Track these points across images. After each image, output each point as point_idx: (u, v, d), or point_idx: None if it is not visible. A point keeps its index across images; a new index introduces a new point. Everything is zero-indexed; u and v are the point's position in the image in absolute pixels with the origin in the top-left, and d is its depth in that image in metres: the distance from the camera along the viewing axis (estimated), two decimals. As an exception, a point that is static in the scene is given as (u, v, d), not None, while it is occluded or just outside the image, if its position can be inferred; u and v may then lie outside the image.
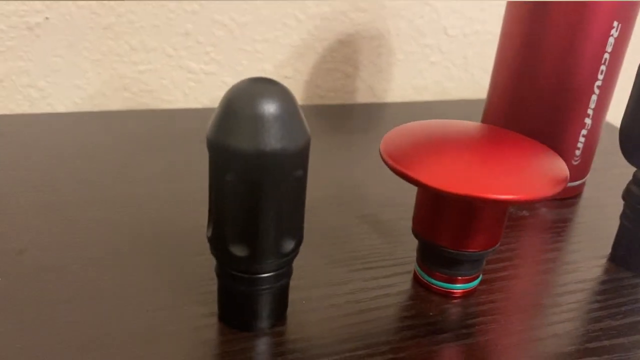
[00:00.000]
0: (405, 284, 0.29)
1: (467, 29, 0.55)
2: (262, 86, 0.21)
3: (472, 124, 0.29)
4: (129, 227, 0.31)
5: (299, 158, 0.21)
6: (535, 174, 0.25)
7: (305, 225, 0.30)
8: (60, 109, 0.47)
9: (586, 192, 0.39)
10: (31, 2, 0.43)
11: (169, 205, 0.34)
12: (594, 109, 0.35)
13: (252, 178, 0.21)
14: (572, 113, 0.35)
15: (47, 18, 0.44)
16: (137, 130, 0.44)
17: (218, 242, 0.22)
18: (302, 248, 0.29)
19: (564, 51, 0.33)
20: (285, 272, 0.24)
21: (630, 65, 0.40)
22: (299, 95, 0.53)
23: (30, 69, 0.45)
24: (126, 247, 0.29)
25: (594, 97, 0.34)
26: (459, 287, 0.28)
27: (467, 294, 0.28)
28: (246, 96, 0.21)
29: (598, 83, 0.34)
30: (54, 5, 0.44)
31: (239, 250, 0.22)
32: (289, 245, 0.23)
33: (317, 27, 0.51)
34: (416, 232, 0.28)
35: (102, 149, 0.40)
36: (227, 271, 0.23)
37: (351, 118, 0.52)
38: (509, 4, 0.36)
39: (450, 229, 0.26)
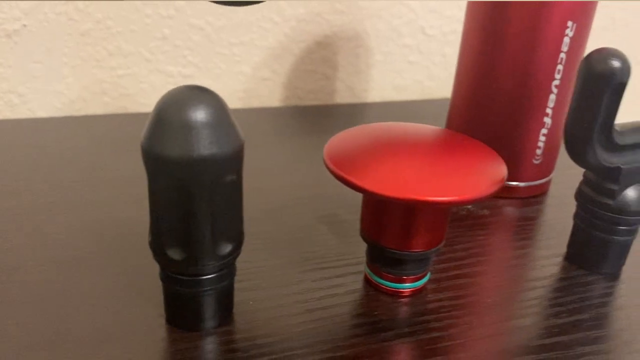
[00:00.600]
0: (355, 284, 0.29)
1: (446, 28, 0.55)
2: (192, 94, 0.22)
3: (416, 126, 0.30)
4: (93, 229, 0.32)
5: (231, 163, 0.22)
6: (471, 176, 0.26)
7: (266, 226, 0.31)
8: (41, 114, 0.48)
9: (552, 191, 0.39)
10: (9, 9, 0.44)
11: (136, 208, 0.34)
12: (553, 108, 0.35)
13: (184, 184, 0.21)
14: (531, 113, 0.35)
15: (24, 25, 0.45)
16: (116, 134, 0.45)
17: (157, 247, 0.23)
18: (258, 249, 0.30)
19: (521, 52, 0.34)
20: (227, 274, 0.25)
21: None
22: (278, 97, 0.54)
23: (10, 76, 0.46)
24: (88, 249, 0.30)
25: (552, 97, 0.35)
26: (406, 287, 0.29)
27: (415, 293, 0.29)
28: (176, 104, 0.21)
29: (556, 82, 0.34)
30: (31, 12, 0.45)
31: (176, 254, 0.23)
32: (226, 248, 0.23)
33: (293, 29, 0.51)
34: (363, 235, 0.28)
35: (79, 153, 0.41)
36: (169, 274, 0.24)
37: (331, 118, 0.52)
38: (469, 4, 0.36)
39: (394, 231, 0.27)
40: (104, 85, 0.49)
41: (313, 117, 0.52)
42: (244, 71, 0.52)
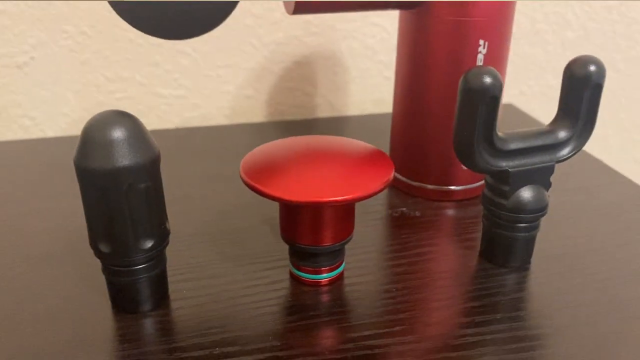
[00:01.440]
0: (281, 277, 0.33)
1: (419, 45, 0.59)
2: (112, 117, 0.27)
3: (320, 138, 0.34)
4: (67, 231, 0.37)
5: (144, 172, 0.27)
6: (361, 179, 0.30)
7: (216, 226, 0.36)
8: (50, 133, 0.55)
9: (491, 194, 0.42)
10: (18, 44, 0.51)
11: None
12: (475, 119, 0.38)
13: (105, 190, 0.26)
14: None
15: (32, 58, 0.52)
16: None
17: (92, 243, 0.28)
18: (202, 246, 0.35)
19: (444, 65, 0.37)
20: (154, 265, 0.29)
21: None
22: (261, 113, 0.58)
23: (22, 102, 0.53)
24: (59, 248, 0.36)
25: (473, 108, 0.38)
26: (324, 277, 0.33)
27: (333, 282, 0.33)
28: (98, 126, 0.26)
29: (475, 95, 0.38)
30: (38, 46, 0.51)
31: (104, 248, 0.28)
32: (147, 243, 0.28)
33: (272, 52, 0.56)
34: (282, 235, 0.32)
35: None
36: (106, 266, 0.29)
37: (312, 131, 0.57)
38: (398, 35, 0.40)
39: (304, 230, 0.31)
40: (104, 107, 0.55)
41: (295, 131, 0.56)
42: (229, 90, 0.57)
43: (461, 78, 0.29)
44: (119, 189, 0.26)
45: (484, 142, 0.30)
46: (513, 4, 0.37)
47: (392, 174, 0.30)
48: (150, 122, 0.56)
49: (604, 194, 0.43)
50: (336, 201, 0.28)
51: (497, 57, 0.38)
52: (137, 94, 0.55)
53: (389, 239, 0.37)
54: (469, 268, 0.35)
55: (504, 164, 0.31)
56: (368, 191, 0.29)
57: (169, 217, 0.31)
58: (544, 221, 0.34)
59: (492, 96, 0.29)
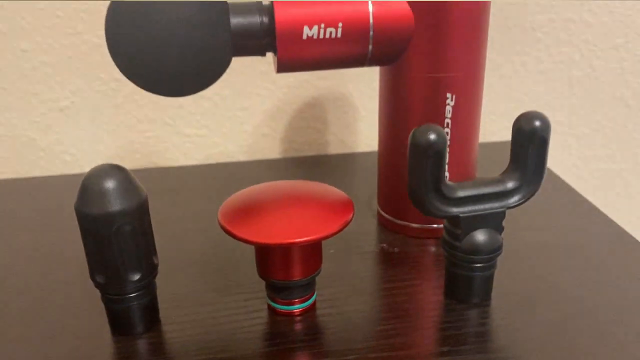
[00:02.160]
0: (259, 307, 0.38)
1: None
2: (106, 170, 0.32)
3: (293, 183, 0.38)
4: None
5: (130, 216, 0.32)
6: (323, 220, 0.34)
7: (204, 259, 0.41)
8: (87, 168, 0.61)
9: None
10: (60, 91, 0.58)
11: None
12: (448, 163, 0.42)
13: (99, 231, 0.32)
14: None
15: (72, 102, 0.59)
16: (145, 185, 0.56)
17: (90, 274, 0.34)
18: (192, 277, 0.40)
19: (418, 113, 0.41)
20: (144, 294, 0.34)
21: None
22: (276, 150, 0.63)
23: (64, 140, 0.60)
24: (72, 276, 0.41)
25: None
26: (296, 307, 0.37)
27: (305, 312, 0.37)
28: (93, 177, 0.32)
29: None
30: (77, 92, 0.58)
31: (100, 279, 0.33)
32: (135, 276, 0.33)
33: (286, 94, 0.61)
34: (258, 272, 0.37)
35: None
36: (103, 294, 0.34)
37: (325, 166, 0.61)
38: (380, 84, 0.44)
39: (276, 266, 0.35)
40: (135, 145, 0.61)
41: (309, 166, 0.61)
42: (247, 130, 0.62)
43: (410, 134, 0.33)
44: (109, 230, 0.32)
45: (433, 190, 0.34)
46: (481, 61, 0.41)
47: (351, 215, 0.34)
48: (176, 159, 0.62)
49: (571, 231, 0.45)
50: (298, 242, 0.33)
51: (466, 108, 0.41)
52: (164, 133, 0.61)
53: (364, 274, 0.41)
54: (432, 303, 0.38)
55: (455, 210, 0.35)
56: (327, 232, 0.33)
57: (168, 249, 0.35)
58: (508, 256, 0.37)
59: (437, 151, 0.33)
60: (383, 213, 0.46)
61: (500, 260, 0.37)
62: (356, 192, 0.52)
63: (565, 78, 0.64)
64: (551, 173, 0.56)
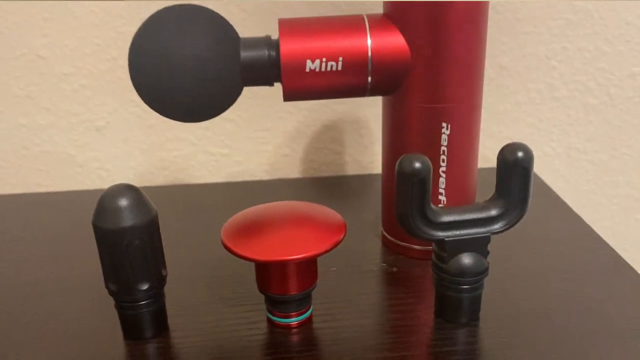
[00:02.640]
0: (258, 318, 0.40)
1: (439, 111, 0.65)
2: (119, 189, 0.36)
3: (292, 203, 0.41)
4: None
5: (140, 232, 0.35)
6: (317, 239, 0.37)
7: (211, 273, 0.44)
8: (121, 184, 0.66)
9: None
10: (98, 111, 0.63)
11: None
12: (445, 189, 0.44)
13: (111, 244, 0.35)
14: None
15: (108, 122, 0.64)
16: (170, 199, 0.60)
17: (105, 283, 0.37)
18: (200, 288, 0.43)
19: (417, 140, 0.43)
20: (152, 302, 0.38)
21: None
22: (296, 169, 0.66)
23: (100, 157, 0.65)
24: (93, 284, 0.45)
25: (441, 180, 0.43)
26: (293, 320, 0.39)
27: (302, 324, 0.40)
28: (108, 196, 0.35)
29: (442, 169, 0.43)
30: (113, 113, 0.63)
31: (112, 287, 0.37)
32: (143, 285, 0.37)
33: (305, 117, 0.64)
34: (258, 287, 0.39)
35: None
36: (116, 302, 0.38)
37: (342, 186, 0.64)
38: (382, 112, 0.46)
39: (273, 281, 0.38)
40: (164, 162, 0.66)
41: (326, 186, 0.64)
42: (268, 150, 0.65)
43: (397, 162, 0.36)
44: (121, 243, 0.35)
45: (419, 215, 0.36)
46: (476, 92, 0.43)
47: (342, 236, 0.37)
48: (202, 176, 0.66)
49: (567, 258, 0.46)
50: (292, 259, 0.36)
51: (462, 136, 0.43)
52: (191, 152, 0.65)
53: (361, 291, 0.43)
54: (423, 321, 0.40)
55: (440, 233, 0.37)
56: (319, 251, 0.36)
57: (181, 260, 0.39)
58: (501, 278, 0.39)
59: (421, 178, 0.35)
60: (386, 234, 0.49)
61: (492, 282, 0.39)
62: (367, 213, 0.55)
63: (580, 105, 0.65)
64: (557, 199, 0.57)
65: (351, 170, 0.67)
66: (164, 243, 0.39)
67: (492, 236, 0.37)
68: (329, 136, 0.65)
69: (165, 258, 0.39)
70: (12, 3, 0.58)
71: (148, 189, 0.64)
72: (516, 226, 0.38)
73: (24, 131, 0.63)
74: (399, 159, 0.35)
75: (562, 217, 0.54)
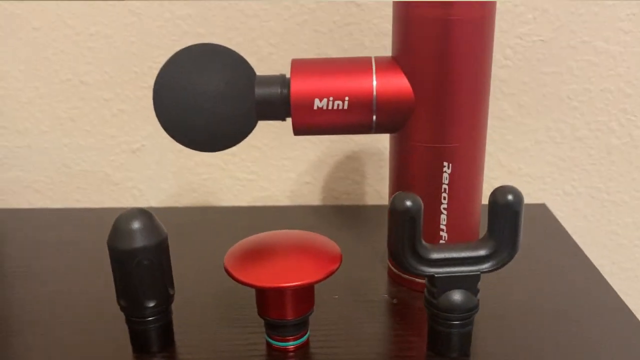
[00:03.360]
0: (258, 340, 0.43)
1: (459, 146, 0.66)
2: (133, 213, 0.39)
3: (294, 232, 0.44)
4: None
5: (149, 253, 0.38)
6: (313, 268, 0.39)
7: (218, 291, 0.46)
8: (153, 203, 0.70)
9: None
10: (134, 135, 0.67)
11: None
12: (446, 225, 0.45)
13: (122, 263, 0.38)
14: (430, 230, 0.45)
15: (143, 145, 0.68)
16: (197, 221, 0.64)
17: (117, 298, 0.40)
18: (207, 309, 0.45)
19: (420, 177, 0.45)
20: (159, 318, 0.41)
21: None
22: (317, 197, 0.69)
23: (134, 177, 0.69)
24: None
25: (442, 217, 0.45)
26: (290, 344, 0.42)
27: (299, 348, 0.42)
28: (122, 219, 0.39)
29: (444, 206, 0.45)
30: (148, 137, 0.67)
31: (123, 303, 0.40)
32: (150, 303, 0.40)
33: (328, 147, 0.67)
34: (258, 311, 0.42)
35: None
36: (126, 317, 0.41)
37: (360, 215, 0.66)
38: (389, 139, 0.48)
39: (271, 306, 0.40)
40: (193, 185, 0.69)
41: (345, 214, 0.66)
42: (291, 177, 0.68)
43: (390, 200, 0.37)
44: (131, 263, 0.38)
45: (410, 251, 0.38)
46: (479, 133, 0.44)
47: (337, 266, 0.39)
48: (228, 200, 0.69)
49: (566, 298, 0.47)
50: (288, 287, 0.38)
51: (463, 175, 0.44)
52: (219, 176, 0.69)
53: (360, 320, 0.45)
54: (416, 353, 0.41)
55: (431, 270, 0.38)
56: (313, 279, 0.38)
57: (192, 280, 0.42)
58: (493, 315, 0.40)
59: (411, 216, 0.37)
60: (391, 266, 0.50)
61: (483, 319, 0.40)
62: (379, 243, 0.56)
63: (602, 145, 0.65)
64: (568, 238, 0.57)
65: (370, 200, 0.69)
66: (181, 263, 0.42)
67: (494, 273, 0.39)
68: (350, 166, 0.67)
69: (179, 278, 0.42)
70: (60, 33, 0.63)
71: (176, 209, 0.68)
72: (521, 264, 0.38)
73: (65, 150, 0.68)
74: (392, 197, 0.37)
75: (565, 251, 0.54)
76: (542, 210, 0.64)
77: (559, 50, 0.62)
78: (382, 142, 0.66)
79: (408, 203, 0.37)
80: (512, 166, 0.66)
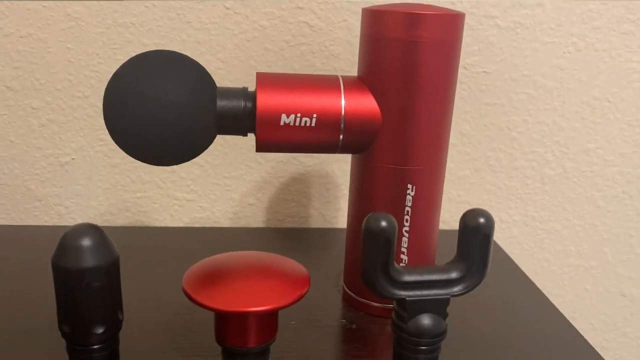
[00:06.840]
0: (215, 369, 0.40)
1: (404, 171, 0.66)
2: (82, 228, 0.35)
3: (257, 254, 0.42)
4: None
5: (100, 273, 0.35)
6: (279, 292, 0.37)
7: (171, 321, 0.43)
8: (79, 222, 0.65)
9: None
10: (63, 147, 0.62)
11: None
12: (407, 248, 0.45)
13: (69, 284, 0.35)
14: (391, 251, 0.45)
15: (73, 159, 0.63)
16: (128, 242, 0.59)
17: (59, 323, 0.36)
18: (157, 335, 0.42)
19: (381, 199, 0.44)
20: (106, 347, 0.37)
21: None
22: (260, 219, 0.67)
23: (60, 193, 0.64)
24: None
25: (404, 239, 0.44)
26: (249, 374, 0.39)
27: (260, 378, 0.39)
28: (71, 235, 0.35)
29: (406, 228, 0.44)
30: (78, 150, 0.63)
31: (66, 329, 0.36)
32: (99, 329, 0.36)
33: (273, 168, 0.65)
34: (216, 338, 0.39)
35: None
36: (68, 344, 0.37)
37: (304, 239, 0.64)
38: (351, 158, 0.47)
39: (232, 333, 0.38)
40: (126, 203, 0.65)
41: (290, 237, 0.64)
42: (234, 198, 0.66)
43: (364, 220, 0.36)
44: (79, 284, 0.34)
45: (383, 273, 0.37)
46: (442, 157, 0.44)
47: (306, 289, 0.37)
48: (163, 220, 0.66)
49: (520, 325, 0.47)
50: (253, 311, 0.35)
51: (425, 198, 0.44)
52: (155, 195, 0.65)
53: (319, 346, 0.43)
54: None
55: (402, 293, 0.37)
56: (281, 304, 0.36)
57: (138, 306, 0.38)
58: (455, 341, 0.39)
59: (386, 238, 0.36)
60: (347, 290, 0.49)
61: (448, 346, 0.39)
62: (328, 267, 0.55)
63: (537, 176, 0.68)
64: (515, 267, 0.58)
65: (315, 223, 0.67)
66: (122, 286, 0.38)
67: (452, 298, 0.38)
68: (296, 188, 0.66)
69: (123, 302, 0.38)
70: (-13, 33, 0.58)
71: (108, 229, 0.63)
72: (475, 289, 0.38)
73: (-16, 162, 0.62)
74: (366, 217, 0.36)
75: (515, 282, 0.55)
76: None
77: (501, 82, 0.64)
78: (330, 165, 0.65)
79: (384, 223, 0.36)
80: (451, 193, 0.68)
